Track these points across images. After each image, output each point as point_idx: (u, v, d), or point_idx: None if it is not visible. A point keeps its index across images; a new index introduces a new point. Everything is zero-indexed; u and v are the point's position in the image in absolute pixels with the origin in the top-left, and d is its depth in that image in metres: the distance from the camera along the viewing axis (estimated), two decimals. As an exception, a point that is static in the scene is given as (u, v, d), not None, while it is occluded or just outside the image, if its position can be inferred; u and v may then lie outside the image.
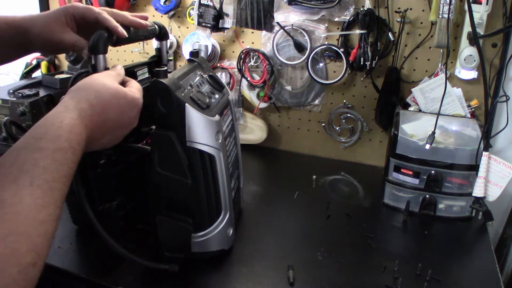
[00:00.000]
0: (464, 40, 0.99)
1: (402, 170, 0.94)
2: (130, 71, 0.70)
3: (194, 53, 0.81)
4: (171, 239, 0.72)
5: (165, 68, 0.64)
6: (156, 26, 0.78)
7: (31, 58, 1.45)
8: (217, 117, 0.68)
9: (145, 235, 0.75)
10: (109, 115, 0.54)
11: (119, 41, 0.66)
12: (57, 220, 0.42)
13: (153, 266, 0.69)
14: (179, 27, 1.25)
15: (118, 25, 0.63)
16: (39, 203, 0.40)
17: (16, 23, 0.66)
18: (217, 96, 0.76)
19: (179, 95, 0.64)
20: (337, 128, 1.22)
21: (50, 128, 0.46)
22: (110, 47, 0.64)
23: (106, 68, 0.65)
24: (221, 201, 0.72)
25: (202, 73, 0.78)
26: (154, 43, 1.25)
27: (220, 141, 0.68)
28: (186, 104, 0.64)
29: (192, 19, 1.18)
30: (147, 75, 0.77)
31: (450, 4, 0.94)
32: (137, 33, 0.71)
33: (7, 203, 0.38)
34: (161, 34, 0.79)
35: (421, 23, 1.04)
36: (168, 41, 1.24)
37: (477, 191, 0.90)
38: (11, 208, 0.38)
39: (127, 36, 0.65)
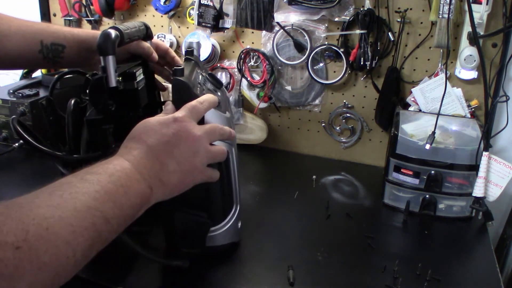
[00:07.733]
0: (464, 40, 0.99)
1: (402, 170, 0.94)
2: (129, 73, 0.70)
3: (189, 52, 0.81)
4: (188, 235, 0.72)
5: (182, 67, 0.64)
6: (144, 27, 0.79)
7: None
8: (227, 113, 0.70)
9: (143, 235, 0.75)
10: (149, 140, 0.56)
11: (122, 42, 0.66)
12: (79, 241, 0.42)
13: (167, 263, 0.70)
14: (179, 27, 1.25)
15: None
16: (50, 204, 0.41)
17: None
18: (219, 93, 0.77)
19: (197, 93, 0.65)
20: (337, 128, 1.22)
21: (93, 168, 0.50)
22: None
23: (116, 70, 0.65)
24: (233, 194, 0.74)
25: (201, 72, 0.78)
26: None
27: None
28: None
29: (192, 19, 1.18)
30: (142, 76, 0.77)
31: (450, 4, 0.94)
32: (133, 34, 0.72)
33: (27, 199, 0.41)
34: (147, 34, 0.81)
35: (421, 23, 1.04)
36: (169, 40, 1.24)
37: (477, 191, 0.90)
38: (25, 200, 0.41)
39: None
